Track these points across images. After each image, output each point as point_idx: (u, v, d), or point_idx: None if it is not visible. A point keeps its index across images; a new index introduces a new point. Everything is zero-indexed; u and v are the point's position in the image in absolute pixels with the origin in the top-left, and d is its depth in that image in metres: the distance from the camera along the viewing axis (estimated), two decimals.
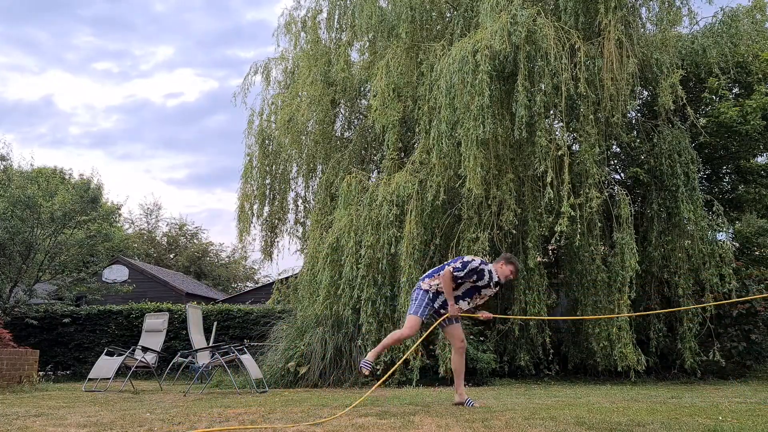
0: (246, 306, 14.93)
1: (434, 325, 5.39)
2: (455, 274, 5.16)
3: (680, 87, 9.36)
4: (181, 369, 11.01)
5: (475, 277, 5.19)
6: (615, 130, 9.53)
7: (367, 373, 5.11)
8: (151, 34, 61.48)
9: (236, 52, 63.58)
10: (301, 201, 13.29)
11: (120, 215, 27.74)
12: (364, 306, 8.89)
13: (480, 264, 5.25)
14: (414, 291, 5.43)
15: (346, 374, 9.05)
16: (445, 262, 5.45)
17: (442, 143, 8.80)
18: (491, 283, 5.27)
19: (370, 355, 5.21)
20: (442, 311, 5.31)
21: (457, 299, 5.28)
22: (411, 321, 5.18)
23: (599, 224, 9.31)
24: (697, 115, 9.97)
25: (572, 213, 8.38)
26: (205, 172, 61.99)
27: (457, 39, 9.78)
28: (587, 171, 8.90)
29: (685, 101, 9.43)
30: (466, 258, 5.29)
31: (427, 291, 5.29)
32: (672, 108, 9.49)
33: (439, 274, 5.30)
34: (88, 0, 58.48)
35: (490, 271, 5.25)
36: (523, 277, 9.09)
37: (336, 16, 12.77)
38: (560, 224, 8.37)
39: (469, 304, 5.35)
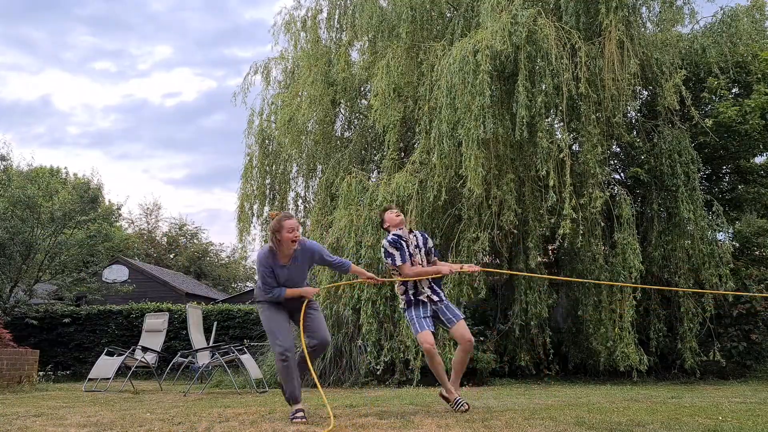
0: (246, 306, 14.92)
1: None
2: (396, 263, 4.69)
3: (683, 87, 9.36)
4: (181, 369, 11.01)
5: (398, 250, 4.74)
6: (616, 131, 9.52)
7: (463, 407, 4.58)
8: (149, 34, 61.57)
9: (234, 52, 63.66)
10: (301, 201, 13.27)
11: (120, 215, 27.72)
12: (364, 306, 8.88)
13: (385, 241, 4.82)
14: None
15: (346, 374, 9.06)
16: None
17: (442, 143, 8.80)
18: (402, 240, 4.78)
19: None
20: (434, 298, 4.72)
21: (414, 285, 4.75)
22: (419, 338, 4.61)
23: (601, 224, 9.30)
24: (699, 115, 9.96)
25: (574, 215, 8.37)
26: (203, 172, 62.06)
27: (458, 39, 9.78)
28: (589, 171, 8.89)
29: (690, 102, 9.42)
30: (383, 245, 4.83)
31: (407, 307, 4.77)
32: (677, 108, 9.48)
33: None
34: None
35: (393, 235, 4.81)
36: (524, 277, 9.09)
37: (336, 16, 12.77)
38: (563, 226, 8.35)
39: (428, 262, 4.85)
